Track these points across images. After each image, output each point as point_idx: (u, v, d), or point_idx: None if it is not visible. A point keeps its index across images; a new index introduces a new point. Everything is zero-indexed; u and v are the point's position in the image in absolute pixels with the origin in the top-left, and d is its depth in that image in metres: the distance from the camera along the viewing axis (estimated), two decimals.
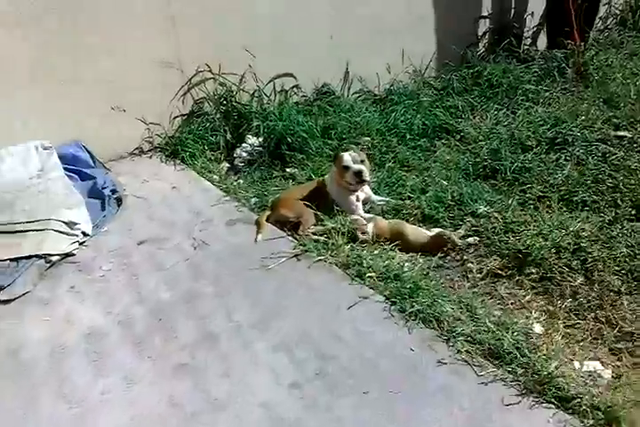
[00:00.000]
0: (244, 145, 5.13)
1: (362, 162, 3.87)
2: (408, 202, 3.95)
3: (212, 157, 5.13)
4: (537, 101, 5.38)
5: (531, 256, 3.19)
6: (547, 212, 3.63)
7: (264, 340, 2.78)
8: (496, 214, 3.65)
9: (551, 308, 2.91)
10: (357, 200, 3.92)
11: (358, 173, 3.78)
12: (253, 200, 4.27)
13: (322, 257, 3.37)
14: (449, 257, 3.46)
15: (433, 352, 2.59)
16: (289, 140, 4.89)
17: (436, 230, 3.59)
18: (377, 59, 5.88)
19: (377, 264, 3.24)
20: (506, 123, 5.07)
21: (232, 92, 5.29)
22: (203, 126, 5.19)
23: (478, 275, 3.25)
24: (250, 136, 5.17)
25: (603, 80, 5.62)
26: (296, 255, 3.42)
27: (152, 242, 3.75)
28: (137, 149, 5.11)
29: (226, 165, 5.14)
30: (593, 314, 2.80)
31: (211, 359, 2.69)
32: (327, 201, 3.91)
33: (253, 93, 5.39)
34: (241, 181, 4.78)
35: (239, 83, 5.29)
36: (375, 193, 4.13)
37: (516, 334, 2.63)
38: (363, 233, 3.56)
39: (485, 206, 3.76)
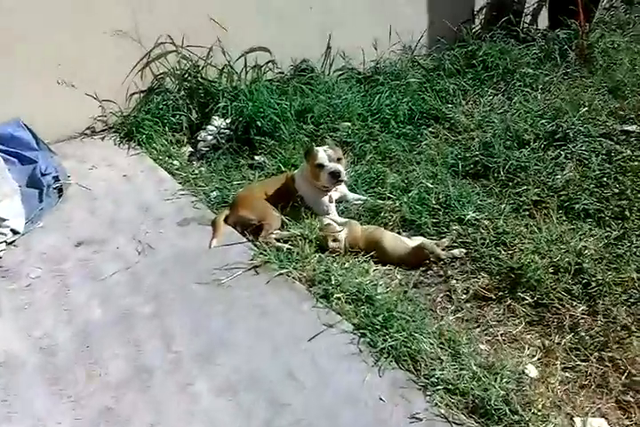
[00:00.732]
0: (209, 127, 4.58)
1: (338, 160, 3.36)
2: (388, 203, 3.46)
3: (173, 140, 4.60)
4: (535, 87, 4.88)
5: (524, 277, 2.75)
6: (544, 221, 3.18)
7: (206, 378, 2.33)
8: (486, 222, 3.19)
9: (547, 342, 2.48)
10: (330, 201, 3.42)
11: (334, 174, 3.28)
12: (214, 194, 3.76)
13: (284, 270, 2.90)
14: (431, 271, 3.01)
15: (406, 402, 2.16)
16: (259, 123, 4.35)
17: (418, 240, 3.13)
18: (362, 33, 5.31)
19: (347, 281, 2.78)
20: (500, 110, 4.58)
21: (198, 67, 4.71)
22: (163, 105, 4.64)
23: (463, 295, 2.81)
24: (216, 117, 4.62)
25: (608, 65, 5.12)
26: (254, 267, 2.95)
27: (90, 244, 3.25)
28: (88, 128, 4.56)
29: (188, 149, 4.60)
30: (597, 354, 2.38)
31: (140, 404, 2.24)
32: (295, 200, 3.41)
33: (222, 69, 4.81)
34: (203, 169, 4.26)
35: (206, 57, 4.71)
36: (351, 190, 3.64)
37: (505, 380, 2.20)
38: (334, 241, 3.08)
39: (474, 212, 3.29)
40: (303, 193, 3.44)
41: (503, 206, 3.33)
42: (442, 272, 2.98)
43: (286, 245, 3.11)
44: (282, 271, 2.89)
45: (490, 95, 4.83)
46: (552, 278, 2.74)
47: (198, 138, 4.57)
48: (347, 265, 2.96)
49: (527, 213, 3.29)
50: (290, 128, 4.39)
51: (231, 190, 3.74)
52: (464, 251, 3.06)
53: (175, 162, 4.35)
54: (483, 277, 2.89)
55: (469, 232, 3.15)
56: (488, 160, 3.74)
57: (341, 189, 3.53)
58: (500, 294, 2.76)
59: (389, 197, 3.55)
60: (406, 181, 3.65)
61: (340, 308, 2.63)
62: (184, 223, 3.38)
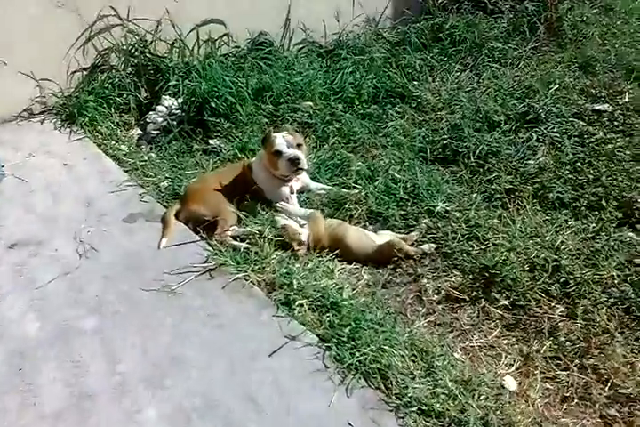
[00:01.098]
0: (158, 108, 4.24)
1: (298, 146, 3.09)
2: (353, 193, 3.22)
3: (120, 122, 4.25)
4: (504, 63, 4.65)
5: (499, 276, 2.57)
6: (517, 212, 3.00)
7: (155, 404, 2.09)
8: (457, 214, 2.99)
9: (525, 349, 2.33)
10: (292, 192, 3.17)
11: (293, 161, 3.02)
12: (164, 185, 3.46)
13: (241, 273, 2.65)
14: (400, 269, 2.81)
15: None
16: (213, 103, 4.02)
17: (385, 235, 2.92)
18: (323, 4, 4.96)
19: (311, 284, 2.55)
20: (469, 88, 4.35)
21: (145, 41, 4.33)
22: (109, 83, 4.27)
23: (435, 296, 2.62)
24: (166, 97, 4.27)
25: (577, 40, 4.92)
26: (209, 270, 2.69)
27: (26, 245, 2.93)
28: (25, 110, 4.17)
29: (137, 131, 4.26)
30: (578, 361, 2.23)
31: None
32: (253, 192, 3.14)
33: (173, 44, 4.43)
34: (153, 155, 3.94)
35: (154, 31, 4.32)
36: (314, 179, 3.38)
37: (484, 397, 2.03)
38: (299, 244, 2.82)
39: (444, 202, 3.09)
40: (261, 183, 3.17)
41: (474, 196, 3.14)
42: (411, 270, 2.79)
43: (243, 244, 2.86)
44: (239, 275, 2.64)
45: (457, 71, 4.59)
46: (528, 277, 2.57)
47: (147, 120, 4.23)
48: (310, 266, 2.72)
49: (500, 202, 3.11)
50: (247, 109, 4.08)
51: (183, 180, 3.44)
52: (434, 246, 2.86)
53: (123, 147, 4.02)
54: (455, 275, 2.71)
55: (439, 225, 2.95)
56: (458, 145, 3.53)
57: (303, 179, 3.27)
58: (474, 294, 2.59)
59: (355, 187, 3.31)
60: (372, 169, 3.41)
61: (303, 316, 2.41)
62: (130, 220, 3.08)
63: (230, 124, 4.00)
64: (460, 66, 4.63)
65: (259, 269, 2.69)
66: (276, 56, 4.62)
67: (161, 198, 3.32)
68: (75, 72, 4.16)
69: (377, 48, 4.81)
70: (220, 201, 3.04)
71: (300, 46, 5.02)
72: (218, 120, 4.00)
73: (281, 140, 3.06)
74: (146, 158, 3.86)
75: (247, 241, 2.89)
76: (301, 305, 2.45)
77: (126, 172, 3.62)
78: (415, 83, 4.46)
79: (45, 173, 3.51)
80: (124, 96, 4.21)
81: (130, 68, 4.30)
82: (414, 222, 3.01)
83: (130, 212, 3.14)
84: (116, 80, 4.24)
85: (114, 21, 4.18)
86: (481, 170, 3.35)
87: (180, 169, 3.68)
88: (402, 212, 3.08)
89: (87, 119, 4.00)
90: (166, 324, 2.41)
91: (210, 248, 2.84)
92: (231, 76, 4.21)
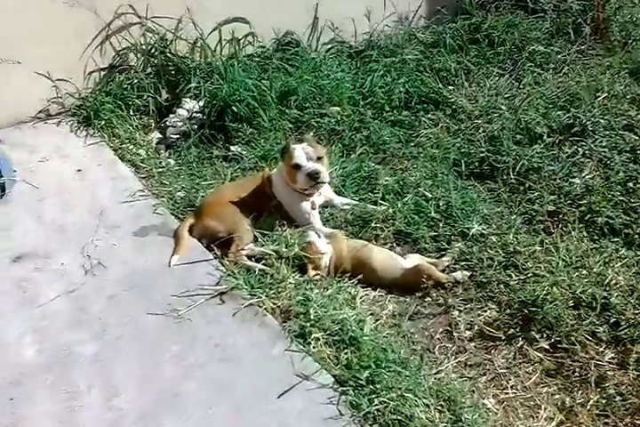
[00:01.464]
0: (179, 111, 4.06)
1: (319, 160, 2.87)
2: (380, 209, 2.98)
3: (140, 125, 4.07)
4: (547, 67, 4.33)
5: (539, 312, 2.31)
6: (561, 237, 2.72)
7: None
8: (494, 238, 2.73)
9: (568, 400, 2.07)
10: (313, 207, 2.94)
11: (313, 175, 2.79)
12: (179, 195, 3.26)
13: (254, 299, 2.45)
14: (429, 298, 2.57)
15: None
16: (235, 108, 3.81)
17: (413, 259, 2.68)
18: (353, 1, 4.68)
19: (329, 315, 2.33)
20: (508, 95, 4.05)
21: (165, 40, 4.13)
22: (127, 84, 4.08)
23: (467, 332, 2.37)
24: (187, 100, 4.09)
25: (627, 43, 4.56)
26: (220, 294, 2.49)
27: (31, 258, 2.78)
28: (42, 112, 4.00)
29: (156, 135, 4.09)
30: (629, 420, 1.96)
31: None
32: (272, 207, 2.93)
33: (194, 43, 4.23)
34: (171, 162, 3.75)
35: (175, 29, 4.12)
36: (338, 193, 3.15)
37: None
38: (314, 268, 2.60)
39: (480, 224, 2.83)
40: (281, 198, 2.96)
41: (513, 218, 2.87)
42: (442, 300, 2.54)
43: (259, 266, 2.65)
44: (252, 301, 2.43)
45: (496, 76, 4.28)
46: (573, 315, 2.30)
47: (167, 123, 4.05)
48: (329, 291, 2.50)
49: (541, 226, 2.83)
50: (271, 114, 3.87)
51: (200, 190, 3.24)
52: (467, 274, 2.61)
53: (141, 151, 3.84)
54: (490, 308, 2.45)
55: (474, 250, 2.69)
56: (496, 159, 3.25)
57: (326, 193, 3.04)
58: (511, 332, 2.33)
59: (382, 201, 3.07)
60: (401, 183, 3.16)
61: (319, 352, 2.19)
62: (142, 233, 2.90)
63: (253, 129, 3.80)
64: (498, 70, 4.32)
65: (274, 294, 2.48)
66: (303, 57, 4.37)
67: (175, 210, 3.12)
68: (92, 72, 3.99)
69: (410, 49, 4.52)
70: (237, 216, 2.83)
71: (329, 46, 4.77)
72: (240, 125, 3.80)
73: (300, 152, 2.84)
74: (164, 165, 3.68)
75: (263, 262, 2.68)
76: (317, 339, 2.23)
77: (143, 179, 3.45)
78: (450, 88, 4.18)
79: (58, 179, 3.36)
80: (144, 98, 4.03)
81: (149, 69, 4.12)
82: (446, 246, 2.76)
83: (142, 224, 2.95)
84: (135, 81, 4.06)
85: (132, 20, 3.99)
86: (521, 188, 3.07)
87: (198, 177, 3.49)
88: (433, 233, 2.83)
89: (104, 122, 3.83)
90: (170, 354, 2.22)
91: (223, 268, 2.64)
92: (255, 78, 3.99)
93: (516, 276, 2.53)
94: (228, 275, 2.56)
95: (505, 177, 3.14)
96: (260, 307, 2.41)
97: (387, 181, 3.18)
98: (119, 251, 2.79)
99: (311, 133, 3.48)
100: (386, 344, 2.22)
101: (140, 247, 2.80)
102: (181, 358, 2.20)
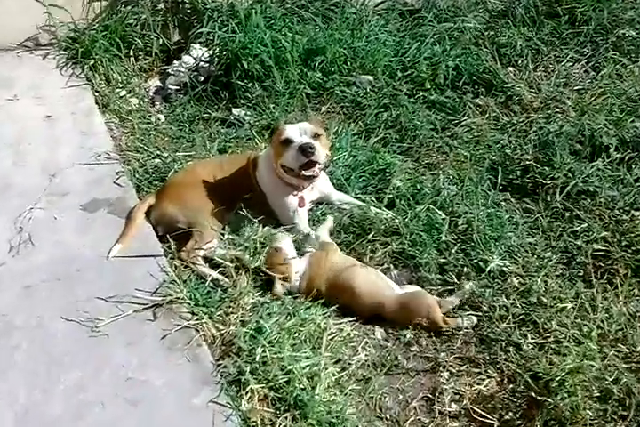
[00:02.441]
0: (184, 59, 3.48)
1: (316, 137, 2.27)
2: (385, 217, 2.39)
3: (138, 69, 3.52)
4: (636, 58, 3.53)
5: (552, 398, 1.73)
6: (604, 292, 2.09)
7: None
8: (516, 280, 2.12)
9: None
10: (301, 204, 2.37)
11: (305, 149, 2.20)
12: (152, 163, 2.74)
13: (194, 320, 1.94)
14: (415, 348, 2.01)
15: None
16: (245, 63, 3.20)
17: (410, 289, 2.11)
18: None
19: (278, 359, 1.81)
20: (579, 87, 3.31)
21: None
22: (134, 19, 3.50)
23: (452, 406, 1.83)
24: (197, 46, 3.50)
25: None
26: (154, 306, 1.99)
27: None
28: (30, 40, 3.49)
29: (156, 82, 3.53)
30: None
31: None
32: (253, 197, 2.37)
33: None
34: (161, 117, 3.22)
35: None
36: (339, 188, 2.57)
37: None
38: (284, 278, 2.07)
39: (503, 257, 2.21)
40: (265, 187, 2.40)
41: (548, 255, 2.24)
42: (431, 353, 1.98)
43: (213, 274, 2.13)
44: (190, 322, 1.93)
45: (569, 61, 3.54)
46: (595, 411, 1.71)
47: (169, 70, 3.48)
48: (291, 322, 1.96)
49: (582, 271, 2.20)
50: (288, 75, 3.25)
51: (177, 162, 2.71)
52: (474, 322, 2.03)
53: (132, 100, 3.32)
54: (489, 377, 1.89)
55: (487, 293, 2.09)
56: (542, 171, 2.58)
57: (322, 187, 2.47)
58: (508, 417, 1.77)
59: (390, 204, 2.49)
60: (418, 187, 2.54)
61: (252, 411, 1.68)
62: (91, 207, 2.41)
63: (263, 91, 3.20)
64: (574, 54, 3.57)
65: (220, 316, 1.97)
66: (343, 11, 3.68)
67: (143, 182, 2.61)
68: (92, 1, 3.41)
69: (472, 16, 3.77)
70: (203, 204, 2.30)
71: (380, 0, 4.02)
72: (248, 84, 3.21)
73: (294, 126, 2.27)
74: (152, 120, 3.15)
75: (220, 269, 2.15)
76: (254, 392, 1.72)
77: (125, 134, 2.97)
78: (510, 69, 3.48)
79: (21, 125, 2.88)
80: (146, 38, 3.45)
81: (161, 4, 3.53)
82: (455, 280, 2.17)
83: (95, 196, 2.46)
84: (142, 17, 3.47)
85: None
86: (566, 215, 2.42)
87: (186, 142, 2.96)
88: (442, 259, 2.23)
89: (93, 62, 3.29)
90: (67, 383, 1.75)
91: (169, 270, 2.13)
92: (277, 30, 3.35)
93: (533, 338, 1.94)
94: (171, 282, 2.05)
95: (549, 197, 2.49)
96: (199, 332, 1.91)
97: (401, 181, 2.57)
98: (58, 227, 2.31)
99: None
100: (341, 412, 1.69)
101: (82, 226, 2.31)
102: (79, 389, 1.74)
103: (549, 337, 1.94)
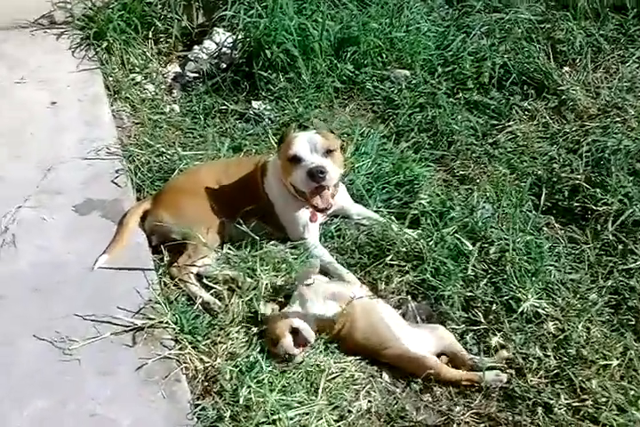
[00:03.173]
0: (205, 44, 3.23)
1: (328, 153, 1.99)
2: (407, 237, 2.11)
3: (157, 52, 3.28)
4: None
5: None
6: None
7: None
8: (552, 326, 1.82)
9: None
10: (313, 219, 2.10)
11: (315, 174, 1.93)
12: (157, 161, 2.49)
13: (176, 348, 1.71)
14: (429, 395, 1.75)
15: None
16: (268, 52, 2.92)
17: (433, 330, 1.82)
18: None
19: (265, 403, 1.57)
20: None
21: None
22: None
23: None
24: (220, 30, 3.24)
25: None
26: (135, 329, 1.77)
27: None
28: (45, 17, 3.27)
29: (175, 68, 3.29)
30: None
31: None
32: (260, 207, 2.12)
33: None
34: (176, 108, 2.97)
35: None
36: (357, 200, 2.29)
37: None
38: (275, 341, 1.77)
39: (539, 295, 1.91)
40: (273, 197, 2.13)
41: (593, 296, 1.92)
42: (446, 405, 1.71)
43: (205, 296, 1.89)
44: (169, 353, 1.70)
45: (636, 62, 3.13)
46: None
47: (189, 56, 3.23)
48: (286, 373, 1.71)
49: (633, 318, 1.87)
50: (316, 65, 2.96)
51: (183, 160, 2.46)
52: (504, 380, 1.72)
53: (149, 87, 3.08)
54: None
55: (519, 339, 1.80)
56: (594, 193, 2.24)
57: (339, 199, 2.18)
58: None
59: (415, 224, 2.20)
60: (448, 205, 2.24)
61: None
62: (83, 209, 2.19)
63: (287, 83, 2.92)
64: None
65: (206, 345, 1.73)
66: None
67: (145, 181, 2.38)
68: None
69: (527, 6, 3.38)
70: (202, 214, 2.05)
71: None
72: (271, 76, 2.93)
73: (303, 141, 1.98)
74: (166, 111, 2.92)
75: (213, 291, 1.91)
76: None
77: (135, 124, 2.75)
78: (566, 70, 3.10)
79: (24, 112, 2.67)
80: (167, 21, 3.20)
81: None
82: (482, 319, 1.88)
83: (89, 196, 2.24)
84: None
85: None
86: (619, 248, 2.08)
87: (198, 137, 2.71)
88: (468, 293, 1.94)
89: (107, 44, 3.05)
90: (29, 412, 1.55)
91: (157, 287, 1.90)
92: (307, 15, 3.05)
93: (567, 399, 1.65)
94: (156, 302, 1.82)
95: (599, 225, 2.15)
96: (180, 364, 1.68)
97: (429, 196, 2.26)
98: (44, 229, 2.11)
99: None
100: None
101: (71, 230, 2.10)
102: (39, 423, 1.53)
103: (587, 400, 1.64)
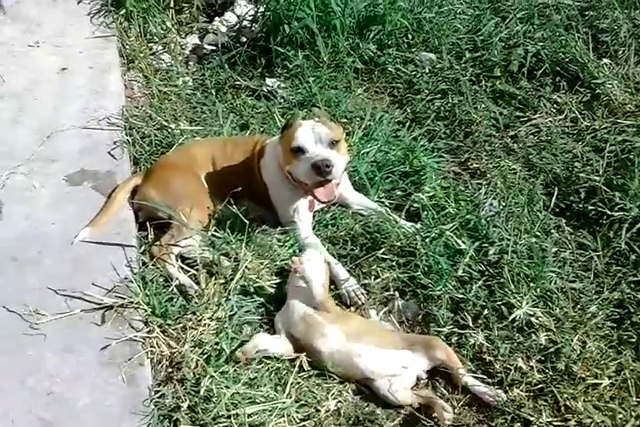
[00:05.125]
0: (226, 16, 3.14)
1: (333, 144, 1.88)
2: (406, 228, 2.00)
3: (177, 22, 3.20)
4: None
5: None
6: None
7: None
8: (543, 337, 1.69)
9: None
10: (310, 208, 2.01)
11: (321, 168, 1.82)
12: (158, 135, 2.42)
13: (144, 331, 1.66)
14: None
15: None
16: (287, 28, 2.81)
17: (424, 343, 1.70)
18: None
19: (225, 396, 1.50)
20: None
21: None
22: None
23: None
24: (242, 2, 3.15)
25: None
26: (106, 307, 1.72)
27: None
28: None
29: (195, 40, 3.21)
30: None
31: None
32: (254, 187, 2.04)
33: None
34: (189, 81, 2.89)
35: None
36: (359, 189, 2.18)
37: None
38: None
39: (535, 303, 1.77)
40: (269, 182, 2.04)
41: (593, 308, 1.77)
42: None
43: (182, 277, 1.82)
44: (137, 334, 1.64)
45: None
46: None
47: (209, 28, 3.14)
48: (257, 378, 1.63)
49: (635, 336, 1.73)
50: (337, 43, 2.84)
51: (182, 136, 2.38)
52: (504, 398, 1.59)
53: (165, 57, 3.01)
54: None
55: (505, 348, 1.68)
56: (612, 197, 2.07)
57: (341, 187, 2.06)
58: None
59: (416, 219, 2.09)
60: (451, 199, 2.11)
61: None
62: (75, 180, 2.15)
63: (304, 61, 2.81)
64: None
65: (175, 330, 1.67)
66: None
67: (142, 155, 2.32)
68: None
69: None
70: (190, 192, 1.98)
71: None
72: (289, 52, 2.82)
73: (307, 131, 1.87)
74: (178, 83, 2.84)
75: (191, 273, 1.85)
76: None
77: (145, 95, 2.68)
78: (605, 62, 2.88)
79: (34, 76, 2.64)
80: None
81: None
82: (469, 323, 1.76)
83: (83, 166, 2.20)
84: None
85: None
86: (632, 258, 1.92)
87: (207, 113, 2.62)
88: (460, 295, 1.82)
89: (126, 11, 2.99)
90: None
91: (135, 265, 1.85)
92: None
93: (549, 417, 1.53)
94: (131, 281, 1.76)
95: (613, 233, 1.99)
96: (145, 348, 1.63)
97: (434, 189, 2.14)
98: (33, 198, 2.07)
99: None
100: None
101: (59, 200, 2.06)
102: None
103: (570, 420, 1.52)
